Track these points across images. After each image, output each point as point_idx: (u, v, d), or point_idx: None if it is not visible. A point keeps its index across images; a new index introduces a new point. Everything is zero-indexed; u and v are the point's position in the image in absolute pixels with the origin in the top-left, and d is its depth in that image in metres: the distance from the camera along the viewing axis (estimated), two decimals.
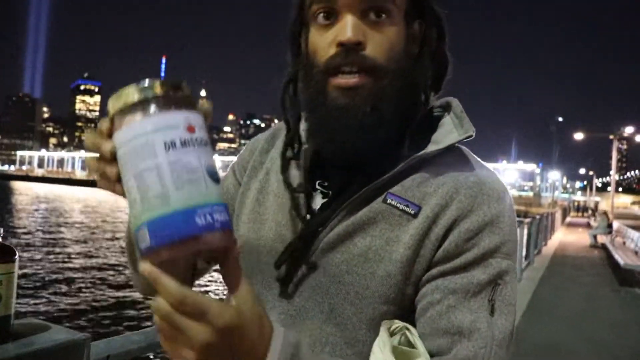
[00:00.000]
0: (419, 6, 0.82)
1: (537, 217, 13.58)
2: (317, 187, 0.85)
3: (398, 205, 0.77)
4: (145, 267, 0.54)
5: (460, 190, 0.77)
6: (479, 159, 0.85)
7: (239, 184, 0.96)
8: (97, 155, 0.59)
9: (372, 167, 0.79)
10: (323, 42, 0.78)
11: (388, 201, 0.78)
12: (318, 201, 0.84)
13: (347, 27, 0.75)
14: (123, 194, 0.58)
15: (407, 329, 0.73)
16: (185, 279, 0.56)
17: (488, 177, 0.80)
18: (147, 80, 0.56)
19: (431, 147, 0.80)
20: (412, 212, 0.77)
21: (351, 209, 0.79)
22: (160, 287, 0.53)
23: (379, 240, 0.77)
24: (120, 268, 13.63)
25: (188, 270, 0.61)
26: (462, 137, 0.80)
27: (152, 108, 0.55)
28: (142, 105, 0.55)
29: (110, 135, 0.57)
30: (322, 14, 0.78)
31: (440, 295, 0.74)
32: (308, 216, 0.83)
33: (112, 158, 0.57)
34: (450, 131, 0.81)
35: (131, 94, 0.56)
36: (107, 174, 0.58)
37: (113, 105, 0.57)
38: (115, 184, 0.59)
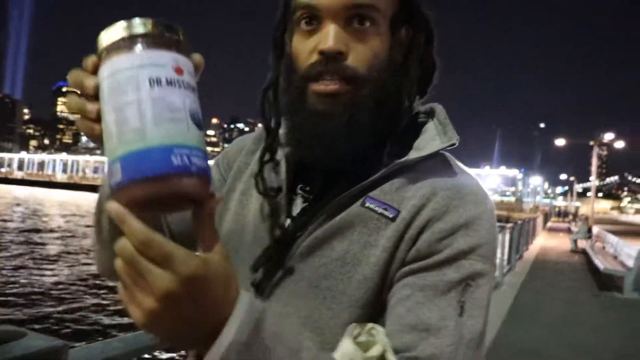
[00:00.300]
0: (407, 11, 0.81)
1: (519, 222, 13.71)
2: (299, 191, 0.85)
3: (376, 208, 0.77)
4: (113, 206, 0.51)
5: (437, 192, 0.77)
6: (462, 165, 0.84)
7: (224, 180, 0.95)
8: (79, 92, 0.57)
9: (353, 173, 0.79)
10: (305, 48, 0.78)
11: (366, 205, 0.77)
12: (299, 205, 0.84)
13: (329, 35, 0.75)
14: (102, 138, 0.55)
15: (374, 328, 0.72)
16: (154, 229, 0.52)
17: (468, 182, 0.80)
18: (139, 18, 0.54)
19: (413, 154, 0.79)
20: (391, 215, 0.76)
21: (330, 213, 0.78)
22: (126, 227, 0.51)
23: (357, 244, 0.76)
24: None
25: (158, 225, 0.58)
26: (445, 145, 0.80)
27: (141, 45, 0.53)
28: (131, 41, 0.54)
29: (95, 72, 0.55)
30: (305, 20, 0.78)
31: (409, 291, 0.72)
32: (288, 220, 0.82)
33: (95, 95, 0.55)
34: (433, 138, 0.81)
35: (121, 29, 0.54)
36: (88, 112, 0.56)
37: (102, 40, 0.55)
38: (94, 124, 0.56)
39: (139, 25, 0.54)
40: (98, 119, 0.55)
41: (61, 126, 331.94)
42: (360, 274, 0.75)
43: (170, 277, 0.50)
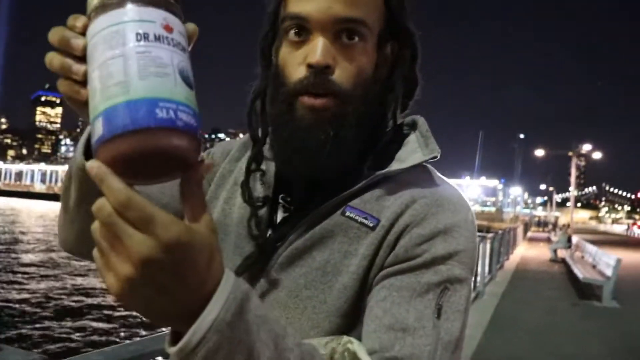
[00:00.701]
0: (394, 27, 0.81)
1: (499, 232, 13.83)
2: (280, 201, 0.85)
3: (357, 217, 0.77)
4: (93, 164, 0.48)
5: (416, 199, 0.77)
6: (442, 177, 0.85)
7: (208, 184, 0.93)
8: (65, 52, 0.53)
9: (335, 183, 0.79)
10: (293, 60, 0.78)
11: (347, 214, 0.77)
12: (281, 215, 0.85)
13: (318, 49, 0.74)
14: (87, 103, 0.52)
15: (351, 342, 0.71)
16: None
17: (448, 191, 0.80)
18: None
19: (395, 165, 0.80)
20: (371, 225, 0.76)
21: (310, 223, 0.78)
22: (105, 187, 0.47)
23: (337, 254, 0.76)
24: (80, 287, 13.27)
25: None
26: (427, 157, 0.80)
27: (131, 3, 0.51)
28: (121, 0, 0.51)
29: (84, 33, 0.52)
30: (294, 30, 0.77)
31: (386, 292, 0.72)
32: (269, 231, 0.82)
33: (83, 57, 0.52)
34: (414, 150, 0.81)
35: None
36: (73, 73, 0.53)
37: (90, 1, 0.53)
38: (80, 87, 0.53)
39: None
40: (84, 82, 0.52)
41: (40, 136, 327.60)
42: (340, 283, 0.75)
43: (150, 242, 0.46)
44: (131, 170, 0.49)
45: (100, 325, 9.75)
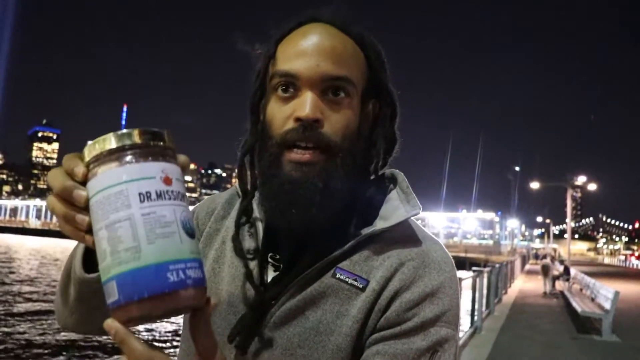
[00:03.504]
0: (376, 86, 0.85)
1: (497, 265, 13.74)
2: (269, 259, 0.86)
3: (347, 279, 0.79)
4: (112, 325, 0.53)
5: (404, 262, 0.80)
6: (425, 230, 0.87)
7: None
8: (66, 200, 0.56)
9: (322, 242, 0.81)
10: (281, 114, 0.80)
11: (337, 276, 0.79)
12: (270, 274, 0.85)
13: (307, 103, 0.77)
14: (93, 244, 0.55)
15: None
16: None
17: (432, 249, 0.83)
18: (126, 129, 0.55)
19: (380, 224, 0.81)
20: (361, 286, 0.79)
21: (302, 284, 0.80)
22: (126, 348, 0.51)
23: (329, 314, 0.78)
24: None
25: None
26: (410, 214, 0.82)
27: (129, 157, 0.54)
28: (119, 153, 0.54)
29: (84, 182, 0.56)
30: (282, 87, 0.80)
31: (381, 359, 0.74)
32: (261, 288, 0.83)
33: (85, 206, 0.55)
34: (397, 207, 0.83)
35: (109, 141, 0.54)
36: (78, 223, 0.56)
37: (89, 151, 0.56)
38: (86, 234, 0.56)
39: (126, 136, 0.54)
40: (88, 230, 0.55)
41: (36, 171, 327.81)
42: (333, 344, 0.77)
43: None
44: (145, 322, 0.55)
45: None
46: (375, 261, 0.80)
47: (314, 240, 0.81)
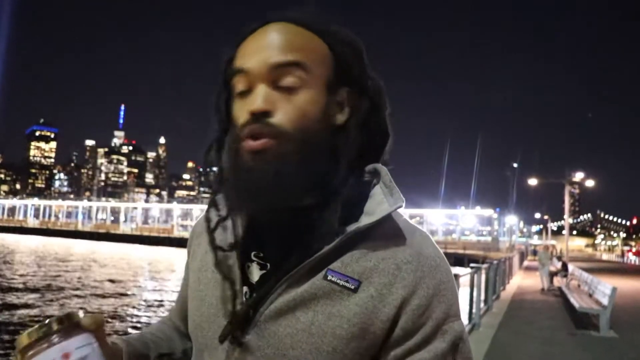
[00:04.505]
0: (345, 75, 0.84)
1: (495, 262, 13.74)
2: (253, 258, 0.86)
3: (338, 281, 0.79)
4: None
5: (401, 266, 0.80)
6: (412, 223, 0.88)
7: (187, 274, 0.99)
8: None
9: (308, 239, 0.80)
10: (240, 110, 0.82)
11: (329, 278, 0.79)
12: (255, 272, 0.85)
13: (257, 97, 0.79)
14: None
15: None
16: None
17: (423, 245, 0.84)
18: (28, 329, 0.68)
19: (365, 220, 0.81)
20: (352, 287, 0.79)
21: (291, 282, 0.80)
22: None
23: (321, 315, 0.78)
24: None
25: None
26: (393, 208, 0.82)
27: (31, 352, 0.67)
28: (26, 351, 0.67)
29: None
30: (240, 84, 0.83)
31: None
32: (245, 288, 0.84)
33: None
34: (381, 202, 0.83)
35: (21, 340, 0.68)
36: None
37: (17, 348, 0.69)
38: None
39: (25, 336, 0.68)
40: None
41: (34, 170, 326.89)
42: (328, 346, 0.77)
43: None
44: None
45: None
46: (367, 262, 0.80)
47: (298, 237, 0.81)
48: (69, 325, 0.70)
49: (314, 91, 0.81)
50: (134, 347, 0.89)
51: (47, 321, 0.68)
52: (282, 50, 0.80)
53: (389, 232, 0.83)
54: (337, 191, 0.81)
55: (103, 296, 18.28)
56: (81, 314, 0.72)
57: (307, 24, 0.83)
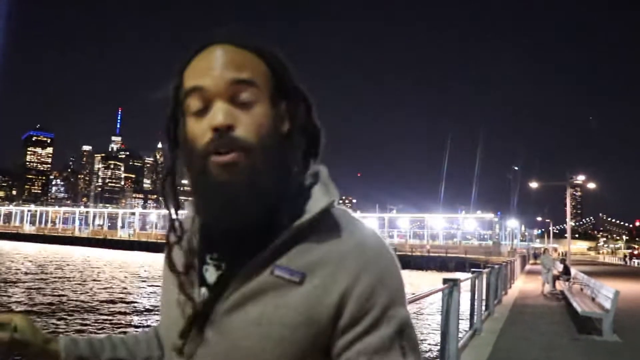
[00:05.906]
0: (282, 88, 0.90)
1: (496, 266, 13.60)
2: (209, 260, 0.92)
3: (284, 276, 0.84)
4: None
5: (344, 256, 0.85)
6: (354, 217, 0.92)
7: None
8: None
9: (257, 238, 0.85)
10: (200, 129, 0.85)
11: (275, 273, 0.84)
12: (213, 273, 0.91)
13: (219, 112, 0.83)
14: None
15: None
16: None
17: (366, 236, 0.88)
18: None
19: (306, 217, 0.86)
20: (297, 279, 0.84)
21: (242, 280, 0.85)
22: None
23: (269, 308, 0.83)
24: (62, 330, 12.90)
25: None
26: (328, 202, 0.88)
27: None
28: None
29: None
30: (195, 103, 0.86)
31: (367, 358, 0.82)
32: (203, 289, 0.90)
33: None
34: (319, 199, 0.89)
35: None
36: None
37: None
38: None
39: None
40: None
41: (30, 176, 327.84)
42: (276, 334, 0.82)
43: None
44: None
45: None
46: (312, 255, 0.85)
47: (249, 238, 0.86)
48: None
49: (265, 105, 0.87)
50: (74, 348, 1.00)
51: None
52: (237, 68, 0.85)
53: (332, 226, 0.88)
54: (288, 195, 0.87)
55: (100, 305, 18.19)
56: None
57: (246, 44, 0.88)
